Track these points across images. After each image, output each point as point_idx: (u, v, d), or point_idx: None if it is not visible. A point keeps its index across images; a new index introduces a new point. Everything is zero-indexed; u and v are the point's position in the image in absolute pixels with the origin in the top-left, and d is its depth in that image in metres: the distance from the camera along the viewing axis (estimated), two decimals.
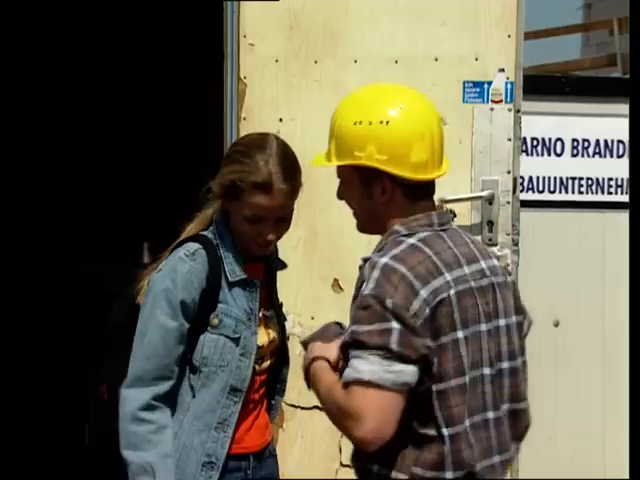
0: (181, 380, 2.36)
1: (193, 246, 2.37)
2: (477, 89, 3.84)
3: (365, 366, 1.95)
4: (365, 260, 2.08)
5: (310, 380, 2.12)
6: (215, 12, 4.10)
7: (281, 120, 3.76)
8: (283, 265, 2.56)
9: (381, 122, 2.08)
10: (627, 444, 4.97)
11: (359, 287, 2.05)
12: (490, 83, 3.85)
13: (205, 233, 2.42)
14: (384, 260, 2.02)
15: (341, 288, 3.86)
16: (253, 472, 2.43)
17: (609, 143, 4.88)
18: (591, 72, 9.24)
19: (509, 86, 3.86)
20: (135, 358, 2.34)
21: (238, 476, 2.39)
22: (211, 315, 2.34)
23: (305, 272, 3.79)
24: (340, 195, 2.21)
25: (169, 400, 2.34)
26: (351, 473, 4.02)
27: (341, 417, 1.99)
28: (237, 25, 3.78)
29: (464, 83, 3.84)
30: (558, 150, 4.49)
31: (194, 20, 5.92)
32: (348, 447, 4.02)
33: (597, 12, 13.77)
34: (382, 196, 2.10)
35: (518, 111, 3.87)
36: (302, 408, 3.85)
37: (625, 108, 4.93)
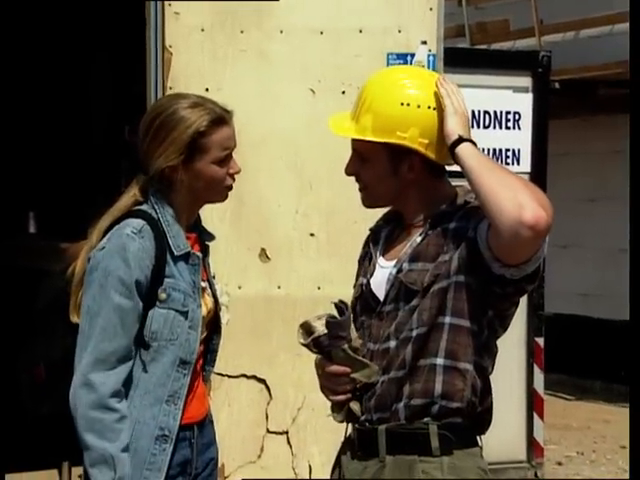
0: None
1: (138, 222, 2.33)
2: (400, 61, 3.89)
3: None
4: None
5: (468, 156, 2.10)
6: None
7: (207, 90, 3.76)
8: (211, 237, 2.55)
9: (429, 107, 2.15)
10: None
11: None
12: (413, 55, 3.91)
13: (142, 208, 2.37)
14: None
15: (268, 257, 3.89)
16: (197, 440, 2.45)
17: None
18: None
19: (431, 58, 3.92)
20: (90, 339, 2.29)
21: (185, 445, 2.40)
22: (159, 290, 2.33)
23: (232, 241, 3.81)
24: (353, 170, 2.23)
25: (126, 382, 2.33)
26: (277, 439, 4.09)
27: (528, 194, 2.01)
28: None
29: (388, 55, 3.90)
30: None
31: None
32: (274, 414, 4.09)
33: None
34: (408, 173, 2.17)
35: None
36: (229, 376, 3.88)
37: (483, 79, 5.04)
